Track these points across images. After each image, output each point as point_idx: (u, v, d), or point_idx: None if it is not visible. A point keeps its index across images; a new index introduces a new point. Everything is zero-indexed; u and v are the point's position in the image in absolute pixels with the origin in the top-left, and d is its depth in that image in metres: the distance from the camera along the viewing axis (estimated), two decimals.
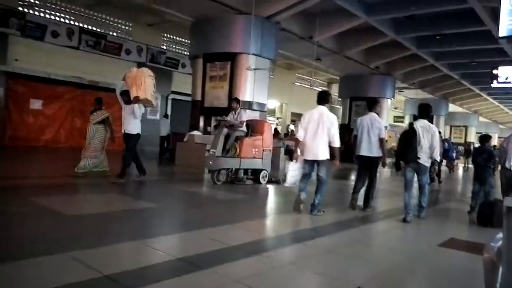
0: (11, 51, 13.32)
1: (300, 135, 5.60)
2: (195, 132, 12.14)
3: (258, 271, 3.28)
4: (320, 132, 5.45)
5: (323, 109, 5.60)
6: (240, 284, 2.90)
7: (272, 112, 23.59)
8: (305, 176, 5.70)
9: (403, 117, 31.45)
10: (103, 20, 15.88)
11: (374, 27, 14.07)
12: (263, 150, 8.57)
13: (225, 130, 8.28)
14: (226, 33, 12.35)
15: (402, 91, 27.24)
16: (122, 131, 7.41)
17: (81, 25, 14.95)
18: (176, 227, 4.73)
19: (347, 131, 15.43)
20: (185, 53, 17.71)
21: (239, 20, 12.11)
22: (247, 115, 8.62)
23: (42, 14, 14.00)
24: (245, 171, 8.58)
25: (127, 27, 16.66)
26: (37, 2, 13.97)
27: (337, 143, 5.52)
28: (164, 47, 17.89)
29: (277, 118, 25.26)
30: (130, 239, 3.85)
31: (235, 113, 8.55)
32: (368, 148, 6.14)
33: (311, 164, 5.62)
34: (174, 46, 18.37)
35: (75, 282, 2.68)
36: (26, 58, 13.51)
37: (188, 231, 4.44)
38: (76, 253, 3.23)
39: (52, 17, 14.26)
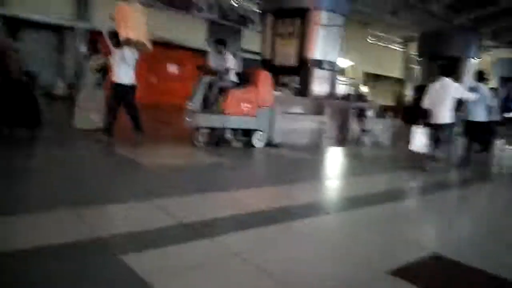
0: None
1: (424, 103, 6.43)
2: None
3: (326, 227, 3.34)
4: (442, 100, 6.17)
5: (447, 80, 6.30)
6: (310, 236, 3.02)
7: (343, 72, 22.76)
8: (432, 138, 6.36)
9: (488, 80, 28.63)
10: None
11: None
12: (258, 106, 7.02)
13: (207, 79, 6.70)
14: None
15: (490, 51, 24.69)
16: (112, 79, 6.25)
17: None
18: (248, 183, 4.84)
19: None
20: (255, 9, 17.48)
21: None
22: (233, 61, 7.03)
23: None
24: (235, 131, 7.01)
25: None
26: None
27: (467, 98, 6.44)
28: (235, 4, 17.75)
29: (350, 79, 24.33)
30: (206, 191, 4.04)
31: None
32: (474, 114, 6.87)
33: (435, 127, 6.32)
34: (244, 3, 18.16)
35: (153, 229, 2.88)
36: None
37: (258, 187, 4.56)
38: (158, 201, 3.46)
39: None
